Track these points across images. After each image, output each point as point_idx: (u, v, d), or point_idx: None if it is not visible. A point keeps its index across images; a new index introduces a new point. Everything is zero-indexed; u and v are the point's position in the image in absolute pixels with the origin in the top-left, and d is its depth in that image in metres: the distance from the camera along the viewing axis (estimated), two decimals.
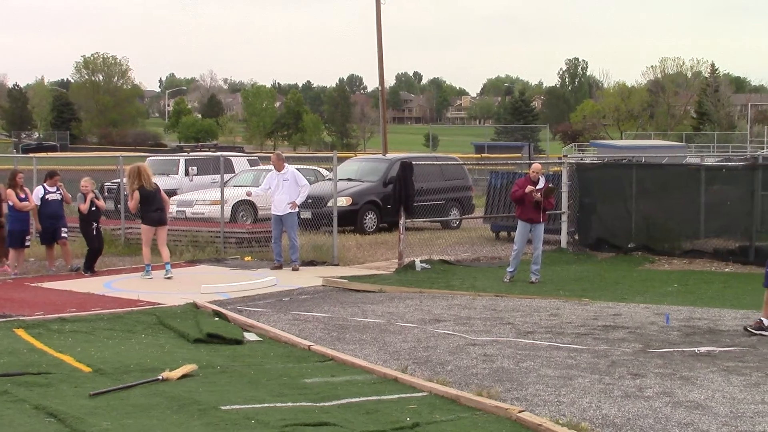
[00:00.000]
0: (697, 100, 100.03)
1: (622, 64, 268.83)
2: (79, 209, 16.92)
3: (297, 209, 17.73)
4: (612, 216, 20.53)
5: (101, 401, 7.77)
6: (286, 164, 17.97)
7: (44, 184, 17.48)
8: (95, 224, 17.11)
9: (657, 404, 7.84)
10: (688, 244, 19.20)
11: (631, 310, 12.89)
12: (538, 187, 15.75)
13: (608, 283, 15.95)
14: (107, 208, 27.03)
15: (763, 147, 55.58)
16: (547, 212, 16.20)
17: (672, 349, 10.15)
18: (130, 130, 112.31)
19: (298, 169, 19.30)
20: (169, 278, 16.00)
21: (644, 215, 19.95)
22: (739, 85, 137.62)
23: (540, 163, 17.85)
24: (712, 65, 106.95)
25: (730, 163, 23.63)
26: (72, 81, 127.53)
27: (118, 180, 23.21)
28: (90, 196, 16.91)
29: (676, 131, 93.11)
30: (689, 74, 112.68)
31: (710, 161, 29.86)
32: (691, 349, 10.15)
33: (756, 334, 10.88)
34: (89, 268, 16.96)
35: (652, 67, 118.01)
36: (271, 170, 18.62)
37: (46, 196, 17.20)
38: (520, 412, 7.27)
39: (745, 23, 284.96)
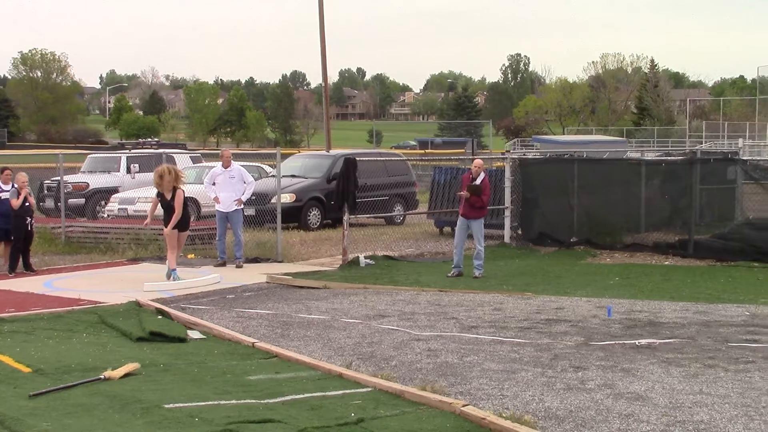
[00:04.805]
0: (638, 95, 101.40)
1: (564, 60, 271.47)
2: (10, 204, 16.60)
3: (242, 206, 17.67)
4: (554, 211, 20.72)
5: (41, 402, 7.66)
6: (233, 162, 17.90)
7: None
8: (29, 219, 16.82)
9: (598, 396, 7.94)
10: (629, 238, 19.44)
11: (574, 304, 13.02)
12: (476, 183, 15.88)
13: (551, 277, 16.09)
14: (47, 207, 26.88)
15: (701, 142, 56.42)
16: (479, 208, 16.11)
17: (613, 342, 10.28)
18: (69, 127, 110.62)
19: (241, 165, 19.20)
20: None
21: (586, 210, 20.17)
22: (677, 80, 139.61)
23: (482, 158, 17.95)
24: (652, 61, 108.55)
25: (669, 158, 23.95)
26: (9, 77, 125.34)
27: (58, 178, 22.91)
28: (24, 191, 16.63)
29: (617, 126, 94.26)
30: (629, 70, 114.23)
31: (650, 156, 30.24)
32: (632, 341, 10.29)
33: None
34: (28, 266, 16.73)
35: (593, 62, 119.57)
36: (214, 166, 18.55)
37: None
38: (464, 406, 7.31)
39: (682, 20, 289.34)
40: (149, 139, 65.38)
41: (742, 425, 7.09)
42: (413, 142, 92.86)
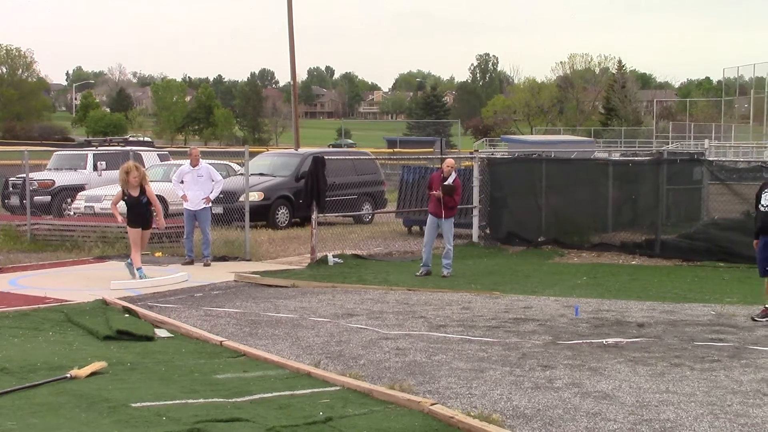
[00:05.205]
0: (605, 95, 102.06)
1: (532, 60, 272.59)
2: None
3: (210, 204, 17.60)
4: (522, 210, 20.79)
5: (6, 401, 7.58)
6: (201, 160, 17.84)
7: None
8: None
9: (566, 395, 7.97)
10: (596, 238, 19.55)
11: (542, 303, 13.07)
12: (447, 183, 15.92)
13: (519, 276, 16.15)
14: (12, 204, 26.64)
15: (668, 142, 56.90)
16: (451, 208, 16.16)
17: (581, 341, 10.33)
18: (35, 123, 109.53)
19: (209, 163, 19.15)
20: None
21: (554, 209, 20.25)
22: (644, 81, 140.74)
23: (452, 158, 17.98)
24: (619, 62, 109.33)
25: (636, 158, 24.13)
26: None
27: (24, 175, 22.69)
28: None
29: (584, 126, 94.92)
30: (597, 70, 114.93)
31: (617, 156, 30.43)
32: (599, 340, 10.34)
33: (761, 322, 11.44)
34: None
35: (561, 63, 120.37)
36: (182, 164, 18.48)
37: None
38: (432, 404, 7.31)
39: (650, 21, 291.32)
40: (132, 136, 64.28)
41: (708, 423, 7.15)
42: (351, 141, 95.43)
